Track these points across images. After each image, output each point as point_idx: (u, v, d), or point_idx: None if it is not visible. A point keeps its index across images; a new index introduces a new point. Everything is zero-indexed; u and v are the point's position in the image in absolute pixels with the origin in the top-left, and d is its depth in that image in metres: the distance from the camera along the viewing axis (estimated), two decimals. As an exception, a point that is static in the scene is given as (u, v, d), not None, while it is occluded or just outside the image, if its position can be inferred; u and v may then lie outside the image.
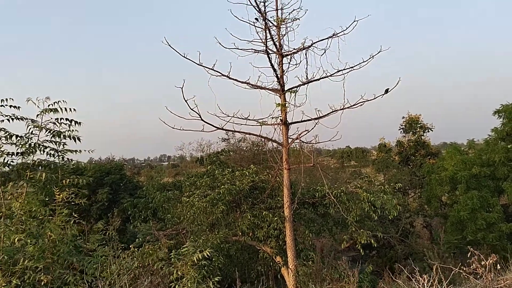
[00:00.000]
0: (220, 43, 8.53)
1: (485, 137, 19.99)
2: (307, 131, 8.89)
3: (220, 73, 8.64)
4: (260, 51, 8.76)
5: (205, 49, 8.89)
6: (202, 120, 8.32)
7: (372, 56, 8.54)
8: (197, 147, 28.84)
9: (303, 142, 9.33)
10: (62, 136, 8.12)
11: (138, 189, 18.77)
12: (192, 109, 8.15)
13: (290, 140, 9.15)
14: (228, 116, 8.78)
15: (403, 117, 26.98)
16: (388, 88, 8.47)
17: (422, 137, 26.48)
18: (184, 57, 8.27)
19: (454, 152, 20.16)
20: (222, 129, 8.89)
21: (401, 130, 27.17)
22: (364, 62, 8.62)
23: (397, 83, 8.34)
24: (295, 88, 8.99)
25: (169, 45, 8.17)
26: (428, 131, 26.41)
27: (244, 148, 24.63)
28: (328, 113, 8.81)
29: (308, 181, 20.65)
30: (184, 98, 8.02)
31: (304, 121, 8.97)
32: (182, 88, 7.92)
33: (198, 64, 8.39)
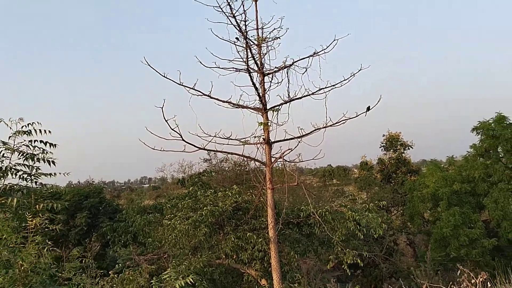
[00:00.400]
0: (200, 62, 8.44)
1: (464, 153, 20.40)
2: (290, 150, 8.78)
3: (201, 93, 8.51)
4: (242, 69, 8.69)
5: (188, 67, 8.80)
6: (183, 140, 8.12)
7: (353, 74, 8.57)
8: (178, 168, 28.60)
9: (286, 161, 9.22)
10: (35, 159, 7.80)
11: (118, 213, 18.34)
12: (173, 129, 7.96)
13: (273, 159, 9.03)
14: (210, 136, 8.60)
15: (384, 135, 27.36)
16: (370, 106, 8.48)
17: (403, 154, 26.81)
18: (164, 76, 8.13)
19: (435, 169, 20.42)
20: (204, 149, 8.68)
21: (382, 147, 27.50)
22: (345, 80, 8.64)
23: (378, 101, 8.36)
24: (277, 107, 8.92)
25: (149, 65, 8.02)
26: (408, 148, 26.79)
27: (227, 168, 24.50)
28: (311, 132, 8.73)
29: (291, 200, 20.57)
30: (164, 118, 7.82)
31: (287, 139, 8.86)
32: (162, 108, 7.74)
33: (178, 84, 8.25)
